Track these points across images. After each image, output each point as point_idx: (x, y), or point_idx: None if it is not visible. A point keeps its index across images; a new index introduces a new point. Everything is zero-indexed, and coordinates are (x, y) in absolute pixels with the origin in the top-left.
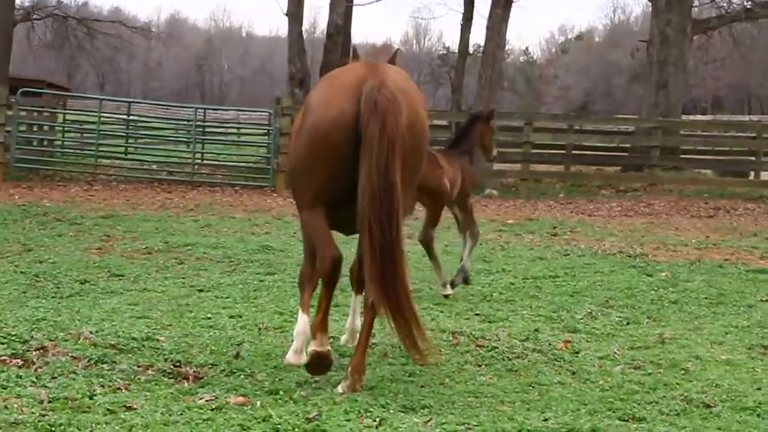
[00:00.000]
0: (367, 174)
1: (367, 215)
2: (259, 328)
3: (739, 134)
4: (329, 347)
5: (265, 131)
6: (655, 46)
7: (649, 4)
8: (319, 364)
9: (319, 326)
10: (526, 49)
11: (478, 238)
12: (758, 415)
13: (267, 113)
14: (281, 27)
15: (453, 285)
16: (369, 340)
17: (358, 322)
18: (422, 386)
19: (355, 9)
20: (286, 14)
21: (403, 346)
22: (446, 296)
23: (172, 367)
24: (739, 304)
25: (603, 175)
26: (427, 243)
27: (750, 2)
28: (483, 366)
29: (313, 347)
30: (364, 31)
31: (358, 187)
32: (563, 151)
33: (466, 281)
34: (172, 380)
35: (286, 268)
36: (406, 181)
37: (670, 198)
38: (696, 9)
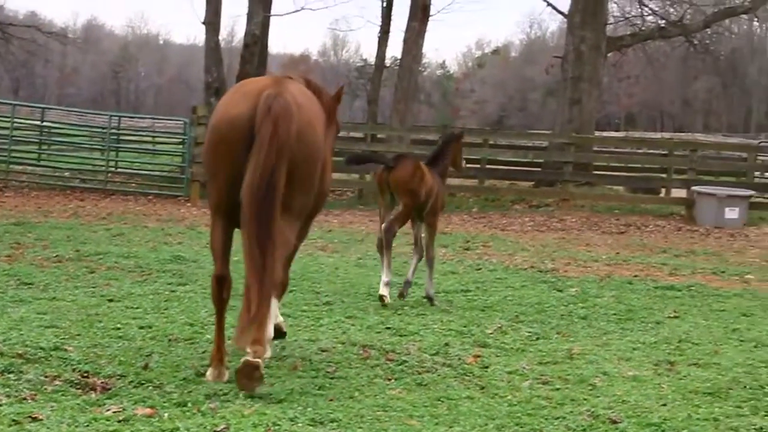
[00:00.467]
0: (252, 172)
1: (248, 210)
2: (169, 340)
3: (651, 151)
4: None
5: (180, 140)
6: (570, 63)
7: (565, 20)
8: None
9: (216, 357)
10: (443, 62)
11: (434, 264)
12: (663, 431)
13: (182, 122)
14: (198, 35)
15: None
16: (266, 313)
17: (271, 330)
18: (331, 399)
19: (272, 19)
20: (204, 23)
21: (237, 332)
22: (382, 297)
23: (79, 377)
24: (647, 320)
25: (516, 189)
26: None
27: (663, 21)
28: (392, 380)
29: (209, 378)
30: (282, 41)
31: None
32: (477, 166)
33: (431, 301)
34: (80, 391)
35: (197, 278)
36: (295, 186)
37: (582, 213)
38: (611, 27)
